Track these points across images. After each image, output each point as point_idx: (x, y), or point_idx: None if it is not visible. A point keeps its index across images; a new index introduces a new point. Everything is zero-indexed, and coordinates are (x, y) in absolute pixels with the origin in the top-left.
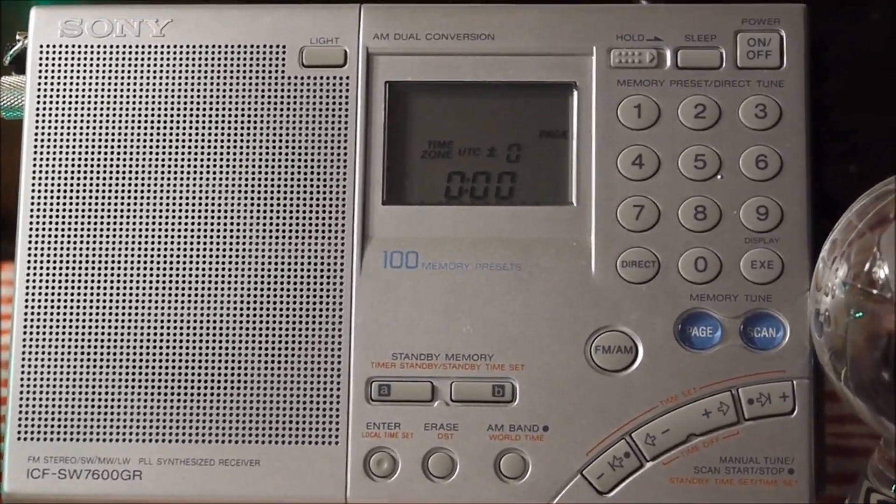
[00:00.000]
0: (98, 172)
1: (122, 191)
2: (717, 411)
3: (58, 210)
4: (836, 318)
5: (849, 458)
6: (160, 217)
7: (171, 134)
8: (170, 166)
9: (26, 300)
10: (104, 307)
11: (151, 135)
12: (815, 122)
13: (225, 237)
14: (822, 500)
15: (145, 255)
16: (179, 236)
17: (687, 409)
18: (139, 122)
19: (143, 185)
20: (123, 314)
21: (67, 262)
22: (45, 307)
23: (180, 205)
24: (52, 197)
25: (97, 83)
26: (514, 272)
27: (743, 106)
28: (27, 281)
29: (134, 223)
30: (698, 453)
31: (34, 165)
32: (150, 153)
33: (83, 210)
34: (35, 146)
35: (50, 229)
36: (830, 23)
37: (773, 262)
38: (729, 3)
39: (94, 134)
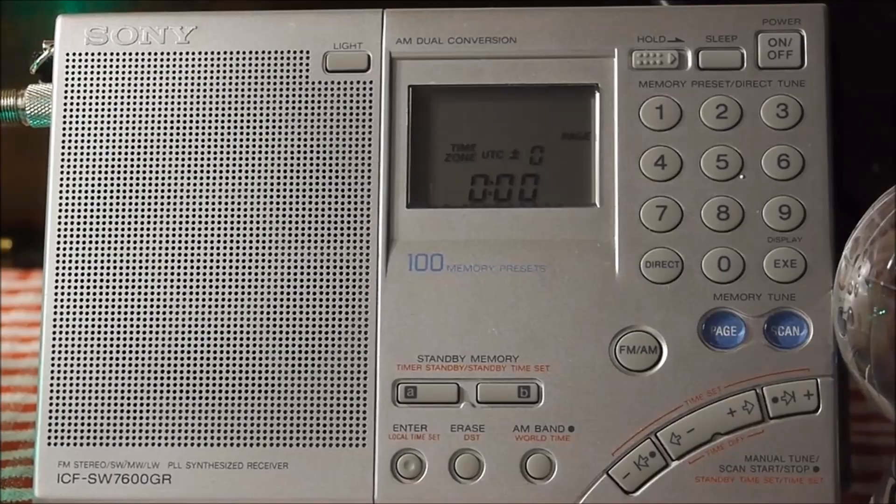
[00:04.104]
0: (125, 179)
1: (149, 197)
2: (742, 410)
3: (85, 217)
4: (860, 315)
5: (874, 455)
6: (187, 223)
7: (196, 140)
8: (196, 172)
9: (55, 307)
10: (132, 313)
11: (177, 141)
12: (836, 122)
13: (251, 242)
14: (847, 498)
15: (172, 261)
16: (206, 242)
17: (712, 409)
18: (165, 128)
19: (169, 191)
20: (151, 319)
21: (95, 268)
22: (74, 313)
23: (207, 210)
24: (79, 204)
25: (123, 90)
26: (539, 273)
27: (764, 106)
28: (56, 287)
29: (161, 229)
30: (723, 452)
31: (62, 173)
32: (177, 160)
33: (111, 217)
34: (62, 154)
35: (78, 236)
36: (851, 23)
37: (796, 260)
38: (749, 4)
39: (120, 141)
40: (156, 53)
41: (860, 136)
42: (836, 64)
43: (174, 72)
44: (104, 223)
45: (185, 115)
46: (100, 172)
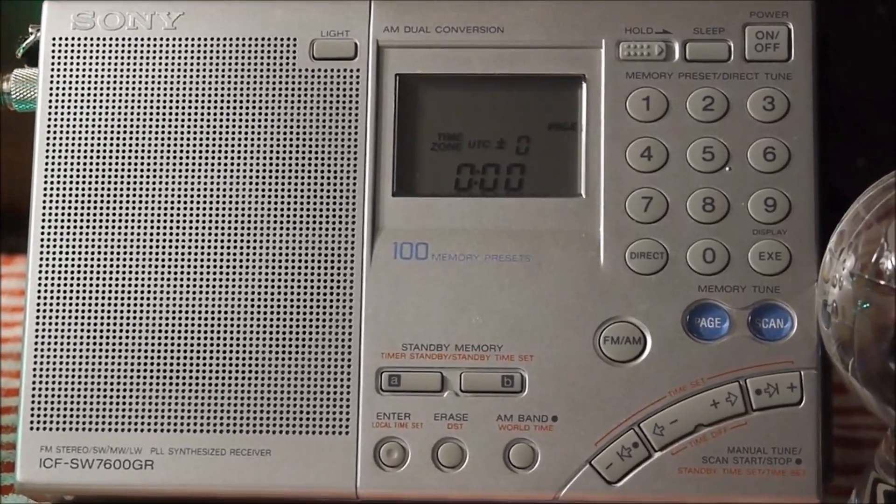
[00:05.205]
0: (110, 164)
1: (134, 181)
2: (725, 402)
3: (70, 202)
4: (844, 309)
5: (856, 449)
6: (172, 208)
7: (182, 126)
8: (181, 158)
9: (38, 292)
10: (116, 298)
11: (163, 127)
12: (822, 115)
13: (235, 228)
14: (829, 491)
15: (157, 246)
16: (191, 227)
17: (695, 400)
18: (151, 114)
19: (155, 176)
20: (135, 305)
21: (79, 253)
22: (57, 298)
23: (193, 196)
24: (64, 188)
25: (109, 76)
26: (524, 263)
27: (751, 98)
28: (39, 273)
29: (146, 214)
30: (706, 443)
31: (47, 157)
32: (162, 145)
33: (95, 202)
34: (47, 138)
35: (62, 221)
36: (838, 16)
37: (781, 253)
38: None
39: (105, 126)
40: (142, 39)
41: (846, 129)
42: (823, 58)
43: (161, 57)
44: (89, 207)
45: (171, 101)
46: (85, 157)
